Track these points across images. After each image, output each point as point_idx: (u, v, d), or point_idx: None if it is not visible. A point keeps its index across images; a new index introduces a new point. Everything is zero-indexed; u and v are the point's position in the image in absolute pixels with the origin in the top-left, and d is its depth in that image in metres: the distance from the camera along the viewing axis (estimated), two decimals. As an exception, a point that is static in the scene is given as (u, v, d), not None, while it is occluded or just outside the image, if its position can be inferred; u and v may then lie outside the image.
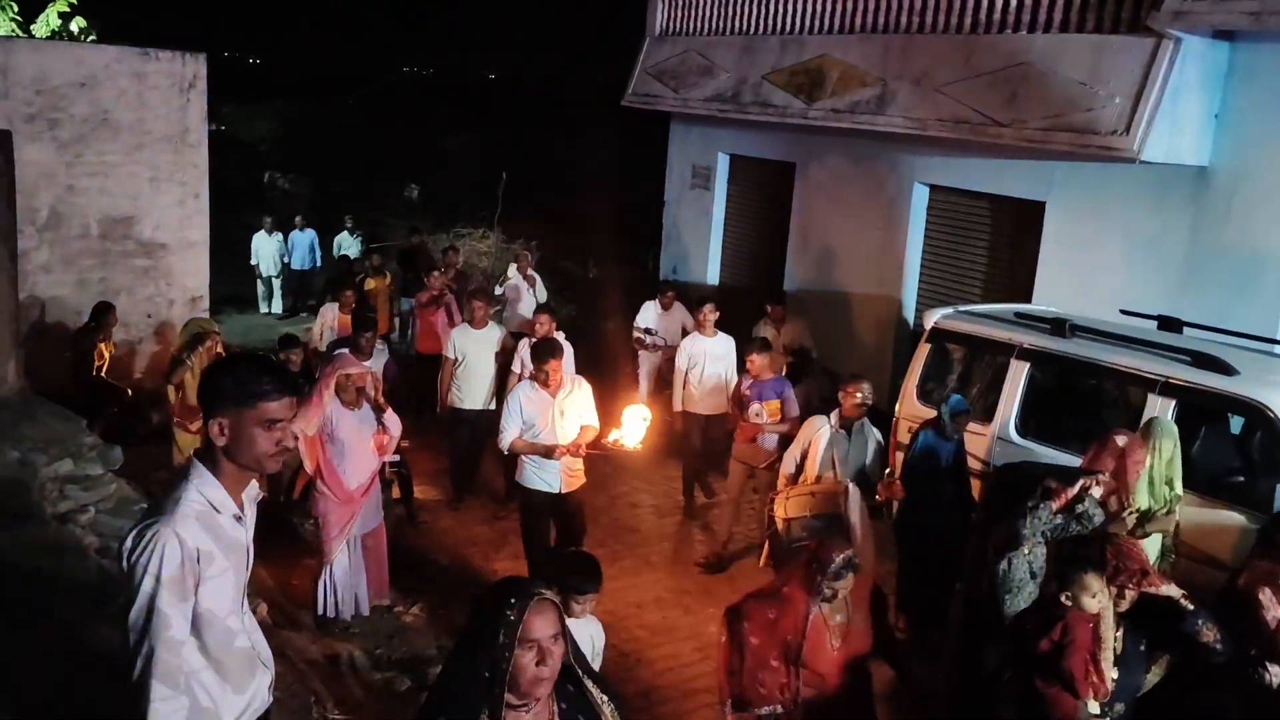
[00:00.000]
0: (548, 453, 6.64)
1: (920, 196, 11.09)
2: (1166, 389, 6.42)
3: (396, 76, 37.21)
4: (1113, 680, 4.13)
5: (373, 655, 6.27)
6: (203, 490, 2.88)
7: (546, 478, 6.82)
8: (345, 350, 7.88)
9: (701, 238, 14.29)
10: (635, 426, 6.55)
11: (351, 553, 6.78)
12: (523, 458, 6.90)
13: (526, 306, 12.41)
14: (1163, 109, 8.30)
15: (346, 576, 6.78)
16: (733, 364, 8.86)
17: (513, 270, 12.79)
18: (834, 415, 6.85)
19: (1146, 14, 8.39)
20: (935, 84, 10.09)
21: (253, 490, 3.07)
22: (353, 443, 6.59)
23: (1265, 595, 4.44)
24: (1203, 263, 8.60)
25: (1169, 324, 7.48)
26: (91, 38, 11.57)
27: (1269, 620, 4.40)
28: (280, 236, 16.19)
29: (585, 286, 15.29)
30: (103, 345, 9.13)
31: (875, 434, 6.93)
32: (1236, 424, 6.86)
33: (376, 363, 8.07)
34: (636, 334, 10.51)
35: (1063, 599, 4.11)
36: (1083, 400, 7.43)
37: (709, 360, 8.81)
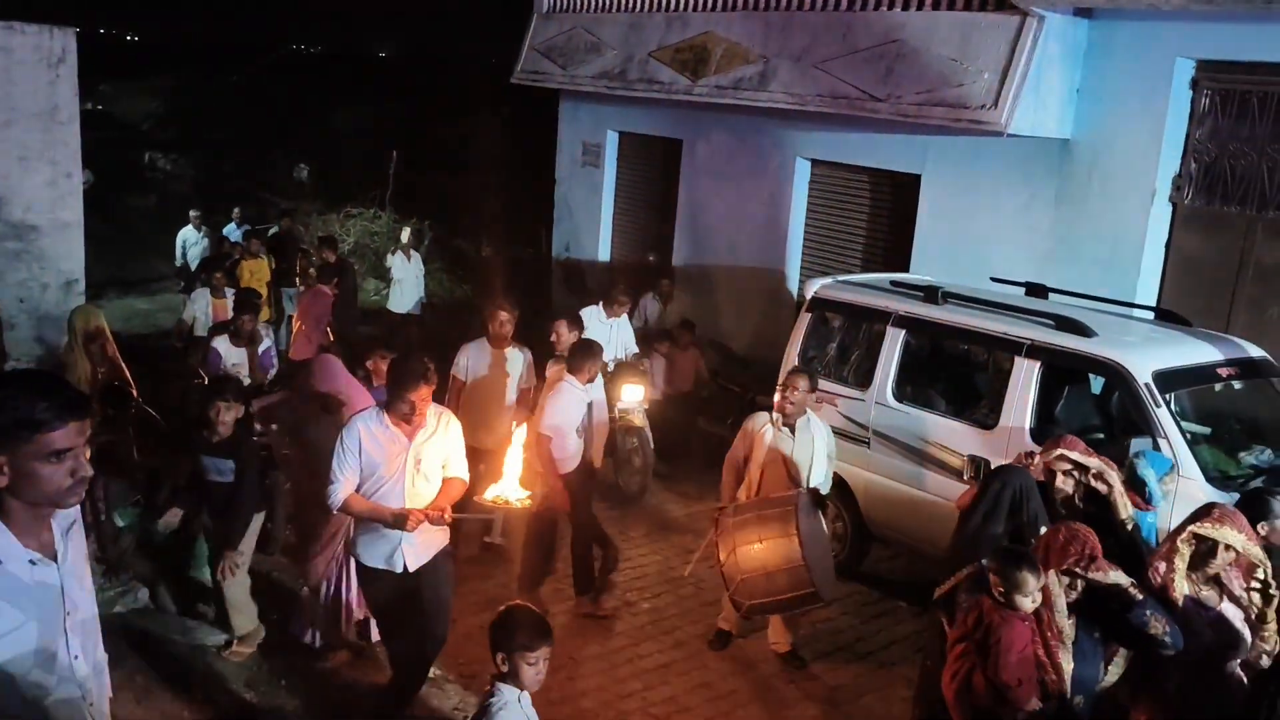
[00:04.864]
0: (397, 522, 4.72)
1: (802, 171, 11.32)
2: (1032, 351, 6.69)
3: (283, 52, 36.35)
4: (1068, 672, 3.98)
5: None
6: None
7: (385, 550, 4.92)
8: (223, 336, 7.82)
9: (593, 215, 14.34)
10: (519, 477, 4.97)
11: (341, 572, 5.84)
12: (353, 522, 5.14)
13: (410, 287, 12.53)
14: (1028, 84, 8.63)
15: (333, 602, 5.88)
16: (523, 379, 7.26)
17: (398, 255, 12.72)
18: (775, 413, 6.19)
19: (1013, -8, 8.71)
20: (814, 60, 10.30)
21: (65, 519, 2.71)
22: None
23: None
24: (1066, 232, 8.99)
25: (1035, 290, 7.79)
26: (-49, 10, 11.11)
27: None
28: (207, 231, 14.25)
29: (479, 266, 15.23)
30: None
31: (822, 429, 6.38)
32: (1097, 384, 7.22)
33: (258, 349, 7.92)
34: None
35: (995, 593, 3.94)
36: (955, 364, 7.71)
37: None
